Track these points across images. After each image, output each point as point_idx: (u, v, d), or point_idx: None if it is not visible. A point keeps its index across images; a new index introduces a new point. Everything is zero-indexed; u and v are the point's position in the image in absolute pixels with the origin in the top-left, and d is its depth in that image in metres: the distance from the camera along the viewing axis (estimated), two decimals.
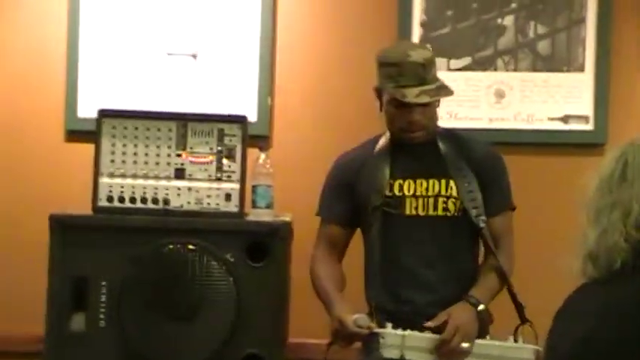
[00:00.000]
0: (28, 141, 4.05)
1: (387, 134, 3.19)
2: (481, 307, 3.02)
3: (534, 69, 3.97)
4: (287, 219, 3.34)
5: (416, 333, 2.95)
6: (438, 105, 3.17)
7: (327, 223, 3.24)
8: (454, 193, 3.11)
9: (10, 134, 4.06)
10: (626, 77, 3.96)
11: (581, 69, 3.96)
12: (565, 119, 3.96)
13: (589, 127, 3.94)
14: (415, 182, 3.12)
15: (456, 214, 3.11)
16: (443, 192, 3.11)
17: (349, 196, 3.18)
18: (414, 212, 3.11)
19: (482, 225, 3.10)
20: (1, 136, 4.06)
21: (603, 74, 3.94)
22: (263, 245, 3.25)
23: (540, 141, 3.92)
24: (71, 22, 4.03)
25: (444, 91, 3.12)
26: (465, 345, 2.95)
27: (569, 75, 3.97)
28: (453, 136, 3.22)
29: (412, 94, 3.03)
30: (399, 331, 2.95)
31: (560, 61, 3.98)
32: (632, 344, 1.83)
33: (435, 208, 3.11)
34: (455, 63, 3.95)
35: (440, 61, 3.86)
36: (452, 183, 3.11)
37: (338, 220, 3.22)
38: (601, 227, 1.99)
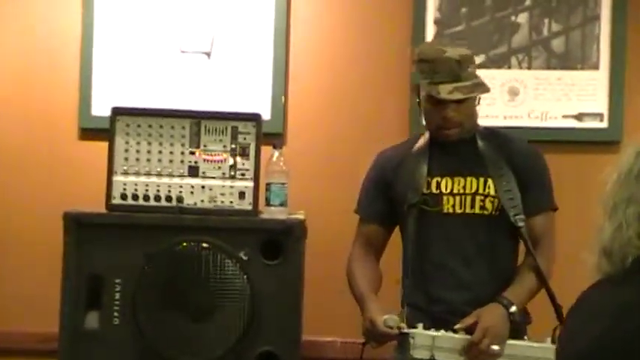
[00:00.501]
0: (42, 139, 4.06)
1: (427, 133, 3.19)
2: (513, 308, 2.99)
3: (548, 67, 3.97)
4: (301, 217, 3.33)
5: (446, 334, 2.94)
6: (478, 103, 3.15)
7: (366, 221, 3.27)
8: (492, 192, 3.09)
9: (25, 132, 4.07)
10: None
11: (596, 67, 3.95)
12: (579, 117, 3.95)
13: (603, 124, 3.93)
14: (453, 180, 3.11)
15: (493, 212, 3.10)
16: (481, 190, 3.10)
17: (387, 195, 3.20)
18: (450, 210, 3.11)
19: (520, 224, 3.07)
20: (16, 134, 4.06)
21: (618, 72, 3.93)
22: (277, 243, 3.25)
23: (554, 139, 3.90)
24: (85, 20, 4.04)
25: (480, 88, 3.10)
26: (495, 347, 2.93)
27: (584, 73, 3.96)
28: (493, 134, 3.21)
29: (445, 91, 3.03)
30: (430, 332, 2.94)
31: (574, 58, 3.97)
32: None
33: (473, 206, 3.10)
34: None
35: None
36: (490, 181, 3.10)
37: (376, 219, 3.25)
38: (617, 222, 1.98)
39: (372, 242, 3.26)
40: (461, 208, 3.10)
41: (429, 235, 3.10)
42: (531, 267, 3.08)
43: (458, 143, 3.11)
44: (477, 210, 3.10)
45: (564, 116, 3.95)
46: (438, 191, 3.11)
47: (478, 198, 3.10)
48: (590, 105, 3.95)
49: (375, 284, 3.19)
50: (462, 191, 3.11)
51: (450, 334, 2.94)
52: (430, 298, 3.10)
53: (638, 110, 3.93)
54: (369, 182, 3.29)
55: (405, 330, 2.95)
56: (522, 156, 3.17)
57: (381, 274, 3.25)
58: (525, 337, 3.04)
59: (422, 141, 3.22)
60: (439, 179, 3.12)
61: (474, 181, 3.11)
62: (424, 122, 3.17)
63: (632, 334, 1.85)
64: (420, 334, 2.94)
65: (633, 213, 1.95)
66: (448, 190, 3.11)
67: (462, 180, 3.11)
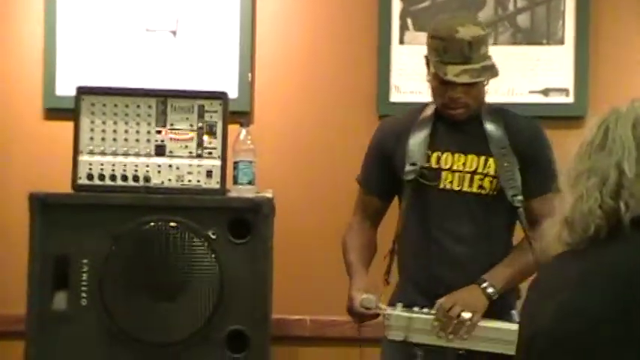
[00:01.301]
0: (6, 120, 4.02)
1: (433, 105, 3.15)
2: (490, 290, 3.00)
3: (514, 42, 3.97)
4: (269, 195, 3.33)
5: (422, 315, 2.94)
6: (487, 84, 3.13)
7: (366, 192, 3.25)
8: (492, 172, 3.07)
9: None
10: (606, 50, 3.97)
11: (561, 42, 3.96)
12: (545, 92, 3.96)
13: (569, 99, 3.95)
14: (453, 156, 3.09)
15: (490, 192, 3.07)
16: (480, 169, 3.08)
17: (387, 165, 3.17)
18: (448, 186, 3.08)
19: (517, 205, 3.05)
20: None
21: (583, 47, 3.94)
22: (245, 222, 3.24)
23: (521, 114, 3.91)
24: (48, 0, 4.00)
25: (489, 72, 3.08)
26: (465, 314, 2.93)
27: (549, 48, 3.97)
28: (500, 112, 3.18)
29: (453, 72, 3.00)
30: (405, 313, 2.94)
31: (539, 34, 3.98)
32: (612, 313, 1.83)
33: (471, 184, 3.08)
34: None
35: (420, 35, 3.85)
36: (491, 161, 3.08)
37: (375, 190, 3.22)
38: (578, 193, 1.98)
39: (370, 213, 3.24)
40: (458, 185, 3.08)
41: (425, 210, 3.08)
42: (524, 248, 3.06)
43: (463, 120, 3.09)
44: (474, 189, 3.08)
45: (530, 92, 3.96)
46: (438, 166, 3.08)
47: (477, 177, 3.08)
48: (555, 80, 3.96)
49: (367, 255, 3.18)
50: (461, 168, 3.08)
51: (426, 315, 2.94)
52: (427, 275, 3.08)
53: (603, 85, 3.94)
54: (369, 151, 3.25)
55: (380, 311, 2.95)
56: (527, 137, 3.14)
57: (376, 243, 3.24)
58: (513, 312, 3.06)
59: (428, 112, 3.15)
60: (440, 154, 3.09)
61: (475, 159, 3.09)
62: (431, 97, 3.14)
63: (594, 304, 1.86)
64: (395, 315, 2.94)
65: (594, 184, 1.96)
66: (448, 166, 3.08)
67: (463, 157, 3.09)
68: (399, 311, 2.96)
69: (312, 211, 3.93)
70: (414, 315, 2.94)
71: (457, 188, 3.08)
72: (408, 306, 2.97)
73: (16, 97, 4.02)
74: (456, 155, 3.09)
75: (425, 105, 3.20)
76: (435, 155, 3.10)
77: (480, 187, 3.08)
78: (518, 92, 3.94)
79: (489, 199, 3.09)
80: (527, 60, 3.96)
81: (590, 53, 3.94)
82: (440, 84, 3.05)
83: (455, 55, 3.01)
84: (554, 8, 3.97)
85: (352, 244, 3.19)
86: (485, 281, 3.02)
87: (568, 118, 3.89)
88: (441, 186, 3.08)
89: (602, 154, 1.98)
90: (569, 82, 3.95)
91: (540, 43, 3.97)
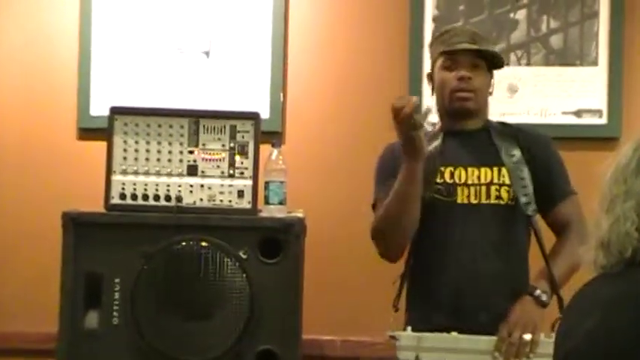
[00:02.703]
0: (41, 139, 4.06)
1: (438, 123, 3.15)
2: (537, 292, 2.98)
3: (547, 63, 3.96)
4: (300, 215, 3.33)
5: (431, 334, 2.93)
6: (491, 93, 3.15)
7: (380, 200, 3.13)
8: (507, 181, 3.06)
9: (24, 133, 4.07)
10: (639, 71, 3.95)
11: (594, 63, 3.95)
12: (578, 113, 3.95)
13: (602, 121, 3.93)
14: (467, 170, 3.07)
15: (509, 202, 3.06)
16: (495, 180, 3.07)
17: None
18: (465, 201, 3.06)
19: (530, 213, 3.05)
20: (15, 134, 4.07)
21: (616, 68, 3.93)
22: (276, 241, 3.24)
23: (553, 135, 3.84)
24: (83, 20, 4.04)
25: (498, 54, 3.13)
26: (526, 336, 2.90)
27: (582, 69, 3.96)
28: (505, 125, 3.20)
29: (462, 45, 3.04)
30: (414, 333, 2.93)
31: (572, 55, 3.97)
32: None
33: (488, 196, 3.06)
34: None
35: None
36: (504, 170, 3.07)
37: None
38: (614, 216, 1.98)
39: None
40: (476, 198, 3.06)
41: (442, 227, 3.04)
42: (563, 245, 3.07)
43: (470, 133, 3.08)
44: (492, 200, 3.06)
45: (563, 113, 3.95)
46: (452, 181, 3.07)
47: (493, 188, 3.06)
48: (589, 101, 3.95)
49: None
50: (476, 182, 3.07)
51: (436, 333, 2.92)
52: (448, 293, 3.03)
53: (636, 106, 3.93)
54: (381, 170, 3.20)
55: (391, 333, 2.95)
56: (538, 145, 3.15)
57: None
58: None
59: (433, 129, 3.15)
60: (452, 169, 3.08)
61: (488, 170, 3.08)
62: (437, 101, 3.14)
63: (628, 326, 1.85)
64: (405, 335, 2.94)
65: (630, 207, 1.96)
66: (462, 181, 3.07)
67: (476, 170, 3.08)
68: (409, 331, 2.94)
69: (343, 231, 3.93)
70: (423, 334, 2.92)
71: (475, 202, 3.06)
72: (431, 330, 2.94)
73: (51, 117, 4.06)
74: (469, 169, 3.08)
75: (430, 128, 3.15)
76: (447, 170, 3.08)
77: (498, 197, 3.07)
78: (551, 113, 3.93)
79: (507, 209, 3.07)
80: (560, 81, 3.95)
81: (623, 74, 3.93)
82: (447, 70, 3.07)
83: (462, 37, 3.07)
84: (587, 29, 3.96)
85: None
86: (536, 289, 2.99)
87: (601, 139, 3.88)
88: (459, 201, 3.06)
89: (638, 178, 1.98)
90: (602, 104, 3.93)
91: (573, 65, 3.96)
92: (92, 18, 4.04)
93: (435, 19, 3.97)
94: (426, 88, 3.89)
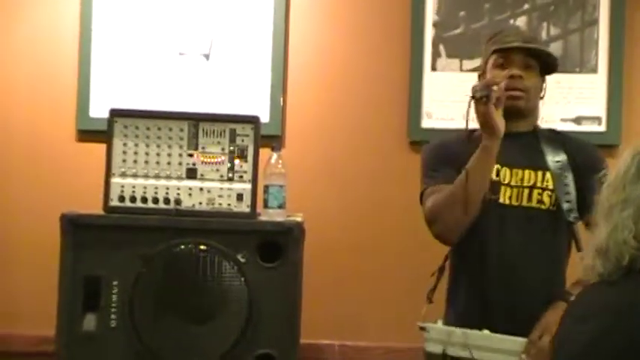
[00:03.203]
0: (40, 141, 4.06)
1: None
2: (572, 298, 2.95)
3: None
4: (299, 219, 3.33)
5: (461, 330, 2.91)
6: (542, 97, 3.14)
7: (434, 185, 3.08)
8: (550, 186, 3.04)
9: (23, 134, 4.07)
10: (639, 78, 3.96)
11: (594, 70, 3.95)
12: (578, 120, 3.95)
13: (602, 128, 3.94)
14: (511, 171, 3.05)
15: (551, 207, 3.04)
16: (539, 184, 3.05)
17: (455, 167, 3.02)
18: (507, 202, 3.04)
19: (572, 220, 3.02)
20: (14, 136, 4.06)
21: (616, 75, 3.94)
22: (275, 245, 3.24)
23: None
24: (83, 22, 4.04)
25: (550, 53, 3.11)
26: None
27: (582, 76, 3.96)
28: (553, 131, 3.20)
29: (516, 43, 3.03)
30: (444, 327, 2.94)
31: (572, 62, 3.97)
32: (638, 347, 1.83)
33: (530, 199, 3.04)
34: (467, 64, 3.94)
35: (452, 62, 3.87)
36: (548, 175, 3.05)
37: (446, 181, 3.04)
38: (612, 224, 1.99)
39: None
40: (517, 200, 3.04)
41: (482, 225, 2.99)
42: None
43: (519, 135, 3.05)
44: (534, 203, 3.04)
45: (563, 119, 3.95)
46: (497, 179, 3.04)
47: (536, 191, 3.04)
48: (588, 108, 3.95)
49: None
50: (519, 183, 3.05)
51: (467, 329, 2.91)
52: (482, 291, 3.01)
53: (636, 114, 3.93)
54: (432, 158, 3.15)
55: (421, 324, 2.95)
56: (584, 152, 3.14)
57: None
58: None
59: (478, 132, 3.07)
60: (498, 167, 3.04)
61: (532, 173, 3.06)
62: None
63: (626, 334, 1.85)
64: (435, 327, 2.94)
65: (628, 215, 1.96)
66: (506, 181, 3.05)
67: (520, 172, 3.05)
68: (439, 324, 2.95)
69: (342, 235, 3.93)
70: (453, 328, 2.92)
71: (516, 203, 3.04)
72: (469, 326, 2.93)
73: (50, 119, 4.06)
74: (514, 170, 3.06)
75: (472, 130, 3.11)
76: (494, 168, 3.03)
77: (539, 201, 3.04)
78: (551, 120, 3.92)
79: (549, 214, 3.04)
80: (560, 88, 3.96)
81: (623, 82, 3.93)
82: (499, 69, 3.05)
83: (517, 38, 3.06)
84: (587, 37, 3.96)
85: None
86: (570, 295, 2.93)
87: (600, 146, 3.86)
88: (501, 200, 3.04)
89: (637, 185, 1.98)
90: (601, 111, 3.94)
91: (573, 72, 3.96)
92: (92, 20, 4.04)
93: (435, 25, 3.98)
94: (427, 93, 3.93)
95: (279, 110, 3.98)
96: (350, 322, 3.86)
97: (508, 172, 3.05)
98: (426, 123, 3.92)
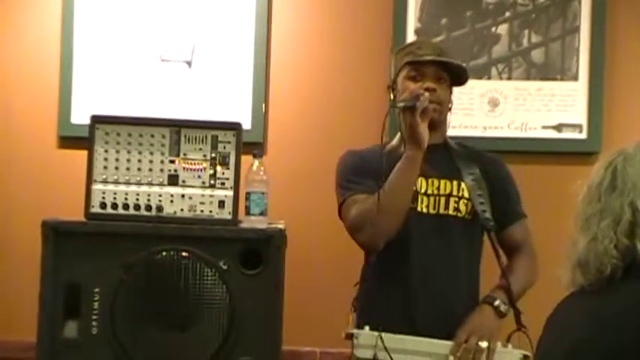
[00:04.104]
0: (21, 147, 4.05)
1: (398, 136, 3.16)
2: (502, 307, 3.01)
3: (528, 77, 3.98)
4: (281, 226, 3.33)
5: (391, 335, 2.93)
6: (450, 110, 3.16)
7: (354, 195, 3.11)
8: (466, 194, 3.09)
9: (3, 140, 4.05)
10: (620, 86, 3.98)
11: (575, 78, 3.97)
12: (559, 128, 3.97)
13: (582, 135, 3.95)
14: (427, 181, 3.09)
15: (466, 215, 3.10)
16: (455, 192, 3.10)
17: (373, 178, 3.05)
18: (425, 210, 3.08)
19: (489, 228, 3.09)
20: None
21: (597, 83, 3.95)
22: (257, 252, 3.23)
23: (534, 149, 3.92)
24: (65, 29, 4.03)
25: (462, 67, 3.14)
26: (482, 344, 2.93)
27: (563, 84, 3.98)
28: (460, 144, 3.25)
29: (429, 56, 3.06)
30: (374, 332, 2.94)
31: (554, 69, 3.99)
32: (623, 354, 1.83)
33: (447, 207, 3.09)
34: None
35: None
36: (463, 185, 3.10)
37: (367, 191, 3.07)
38: (590, 234, 1.99)
39: None
40: (434, 209, 3.09)
41: (403, 233, 3.02)
42: (520, 263, 3.13)
43: (431, 147, 3.06)
44: (450, 211, 3.09)
45: (544, 127, 3.97)
46: (414, 188, 3.06)
47: (452, 199, 3.09)
48: (569, 116, 3.96)
49: None
50: (435, 192, 3.10)
51: (396, 335, 2.94)
52: (404, 297, 3.04)
53: (617, 121, 3.95)
54: (352, 170, 3.18)
55: (349, 330, 2.97)
56: (494, 166, 3.20)
57: None
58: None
59: (395, 142, 3.19)
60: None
61: (448, 183, 3.11)
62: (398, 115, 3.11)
63: (606, 344, 1.86)
64: (364, 333, 2.95)
65: (607, 225, 1.97)
66: (422, 191, 3.09)
67: (436, 181, 3.11)
68: (367, 330, 2.96)
69: (324, 242, 3.93)
70: (383, 333, 2.93)
71: (434, 212, 3.09)
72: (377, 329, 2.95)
73: (32, 125, 4.05)
74: (430, 180, 3.10)
75: (386, 142, 3.14)
76: None
77: (456, 209, 3.09)
78: (532, 127, 3.95)
79: (465, 222, 3.10)
80: (541, 95, 3.97)
81: (604, 89, 3.95)
82: (413, 80, 3.08)
83: (429, 51, 3.09)
84: (568, 44, 3.98)
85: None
86: (495, 299, 3.03)
87: (581, 154, 3.90)
88: (419, 209, 3.08)
89: (613, 195, 1.99)
90: (582, 118, 3.95)
91: (554, 79, 3.98)
92: (74, 26, 4.04)
93: (417, 32, 3.99)
94: None
95: (261, 117, 3.99)
96: (332, 329, 3.85)
97: (424, 181, 3.10)
98: None
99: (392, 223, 2.97)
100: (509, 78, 3.98)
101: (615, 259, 1.95)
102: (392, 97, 3.16)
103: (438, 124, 3.11)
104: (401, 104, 2.96)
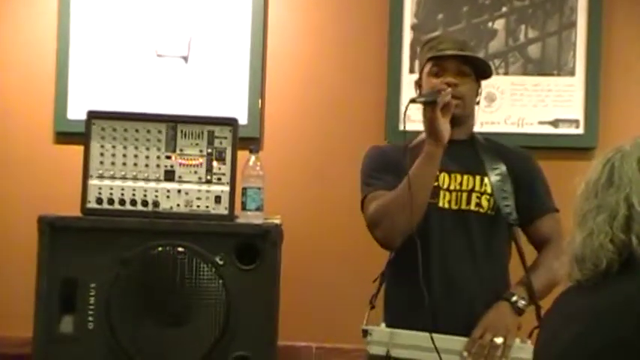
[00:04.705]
0: (17, 142, 4.04)
1: (423, 134, 3.09)
2: (520, 302, 2.97)
3: (525, 73, 3.98)
4: (277, 221, 3.33)
5: (404, 331, 2.92)
6: (478, 103, 3.15)
7: (375, 191, 3.09)
8: (488, 190, 3.06)
9: (0, 136, 4.05)
10: (617, 81, 3.97)
11: (572, 73, 3.97)
12: (555, 123, 3.97)
13: (579, 131, 3.95)
14: (450, 176, 3.07)
15: (489, 211, 3.06)
16: (477, 188, 3.07)
17: (396, 174, 3.03)
18: (446, 205, 3.06)
19: (512, 222, 3.06)
20: None
21: (593, 78, 3.95)
22: (253, 248, 3.24)
23: (531, 145, 3.89)
24: (61, 24, 4.03)
25: (483, 61, 3.13)
26: (498, 340, 2.90)
27: (560, 79, 3.98)
28: (489, 139, 3.21)
29: (450, 51, 3.04)
30: (387, 329, 2.94)
31: (550, 65, 3.99)
32: (621, 347, 1.83)
33: (468, 202, 3.06)
34: None
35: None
36: (487, 180, 3.07)
37: (388, 188, 3.05)
38: (587, 230, 2.00)
39: None
40: (456, 204, 3.06)
41: (423, 230, 2.98)
42: (546, 258, 3.07)
43: (455, 143, 3.04)
44: (472, 207, 3.06)
45: (540, 122, 3.97)
46: (437, 184, 3.04)
47: (474, 195, 3.06)
48: (566, 111, 3.96)
49: None
50: (458, 188, 3.07)
51: (409, 331, 2.92)
52: (427, 295, 2.95)
53: (613, 117, 3.95)
54: (373, 165, 3.16)
55: (364, 327, 2.95)
56: (521, 161, 3.16)
57: None
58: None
59: (418, 139, 3.13)
60: (437, 173, 3.04)
61: (471, 178, 3.08)
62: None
63: (603, 338, 1.86)
64: (377, 330, 2.94)
65: (603, 220, 1.97)
66: (445, 186, 3.06)
67: (459, 176, 3.08)
68: (382, 327, 2.95)
69: (319, 238, 3.94)
70: (396, 330, 2.93)
71: (455, 207, 3.06)
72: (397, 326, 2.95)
73: (28, 120, 4.05)
74: (452, 175, 3.08)
75: (410, 139, 3.15)
76: None
77: (478, 204, 3.07)
78: (528, 122, 3.94)
79: (488, 218, 3.07)
80: (538, 91, 3.97)
81: (600, 85, 3.95)
82: (436, 76, 3.05)
83: (450, 45, 3.06)
84: (565, 39, 3.98)
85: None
86: (513, 295, 2.98)
87: (578, 149, 3.90)
88: (440, 204, 3.06)
89: (609, 191, 2.00)
90: (579, 114, 3.95)
91: (551, 74, 3.98)
92: (70, 21, 4.03)
93: (413, 28, 3.99)
94: (405, 95, 3.93)
95: (257, 112, 3.98)
96: (327, 324, 3.86)
97: (447, 177, 3.07)
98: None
99: (409, 219, 2.91)
100: (505, 73, 3.98)
101: (611, 253, 1.95)
102: (418, 93, 3.14)
103: (462, 120, 3.08)
104: (421, 99, 2.94)
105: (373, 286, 3.15)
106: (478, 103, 3.16)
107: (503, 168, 3.10)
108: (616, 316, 1.87)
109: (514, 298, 2.99)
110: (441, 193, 3.06)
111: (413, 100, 2.95)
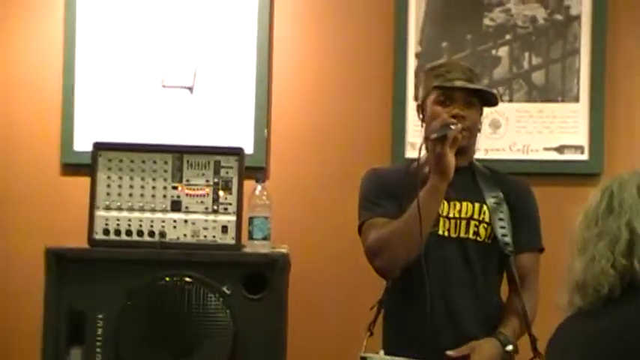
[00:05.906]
0: (24, 174, 4.05)
1: (424, 154, 3.08)
2: (509, 347, 2.97)
3: (529, 99, 3.99)
4: (284, 251, 3.33)
5: (403, 359, 2.91)
6: (479, 130, 3.15)
7: (373, 218, 3.10)
8: (486, 219, 3.07)
9: (6, 168, 4.06)
10: (621, 107, 3.98)
11: (576, 99, 3.97)
12: (560, 149, 3.97)
13: (584, 157, 3.95)
14: (449, 203, 3.07)
15: (486, 240, 3.07)
16: (476, 216, 3.08)
17: (394, 199, 3.08)
18: (446, 233, 3.06)
19: (508, 253, 3.06)
20: None
21: (598, 104, 3.95)
22: (260, 277, 3.24)
23: (536, 171, 3.91)
24: (67, 54, 4.04)
25: (491, 93, 3.14)
26: None
27: (564, 105, 3.98)
28: (488, 168, 3.22)
29: (459, 83, 3.04)
30: (386, 356, 2.93)
31: (554, 91, 3.99)
32: None
33: (467, 230, 3.07)
34: None
35: None
36: (485, 208, 3.08)
37: (386, 214, 3.07)
38: (588, 257, 2.01)
39: None
40: (455, 232, 3.07)
41: (424, 257, 2.96)
42: (518, 307, 3.05)
43: (455, 170, 3.01)
44: (470, 235, 3.07)
45: (545, 149, 3.97)
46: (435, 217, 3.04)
47: (473, 223, 3.07)
48: (571, 137, 3.97)
49: None
50: (457, 215, 3.07)
51: (406, 359, 2.91)
52: (424, 324, 2.96)
53: (618, 142, 3.95)
54: (371, 187, 3.17)
55: (362, 354, 2.94)
56: (518, 191, 3.16)
57: None
58: None
59: (421, 160, 3.09)
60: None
61: (470, 205, 3.08)
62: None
63: None
64: (377, 358, 2.93)
65: (604, 245, 1.98)
66: (444, 214, 3.06)
67: (458, 204, 3.08)
68: (381, 354, 2.94)
69: (327, 267, 3.93)
70: (395, 357, 2.91)
71: (454, 235, 3.07)
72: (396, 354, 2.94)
73: (34, 152, 4.05)
74: (452, 203, 3.08)
75: (410, 162, 3.17)
76: None
77: (475, 233, 3.07)
78: (533, 149, 3.95)
79: (485, 246, 3.08)
80: (543, 117, 3.98)
81: (605, 111, 3.95)
82: (441, 105, 3.05)
83: (458, 73, 3.07)
84: (569, 66, 3.99)
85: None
86: (504, 335, 2.99)
87: (583, 175, 3.90)
88: (440, 232, 3.06)
89: (610, 218, 2.01)
90: (584, 140, 3.95)
91: (555, 101, 3.99)
92: (76, 52, 4.05)
93: (417, 56, 4.00)
94: (410, 122, 3.94)
95: (263, 141, 3.99)
96: (335, 352, 3.85)
97: (446, 204, 3.07)
98: (410, 153, 3.92)
99: (410, 251, 2.95)
100: (510, 100, 3.99)
101: (613, 278, 1.96)
102: (421, 118, 3.14)
103: (465, 149, 3.09)
104: (434, 135, 2.92)
105: (382, 313, 3.16)
106: (479, 130, 3.17)
107: (500, 195, 3.11)
108: (614, 342, 1.88)
109: (509, 348, 2.97)
110: (441, 220, 3.07)
111: (427, 138, 2.95)
